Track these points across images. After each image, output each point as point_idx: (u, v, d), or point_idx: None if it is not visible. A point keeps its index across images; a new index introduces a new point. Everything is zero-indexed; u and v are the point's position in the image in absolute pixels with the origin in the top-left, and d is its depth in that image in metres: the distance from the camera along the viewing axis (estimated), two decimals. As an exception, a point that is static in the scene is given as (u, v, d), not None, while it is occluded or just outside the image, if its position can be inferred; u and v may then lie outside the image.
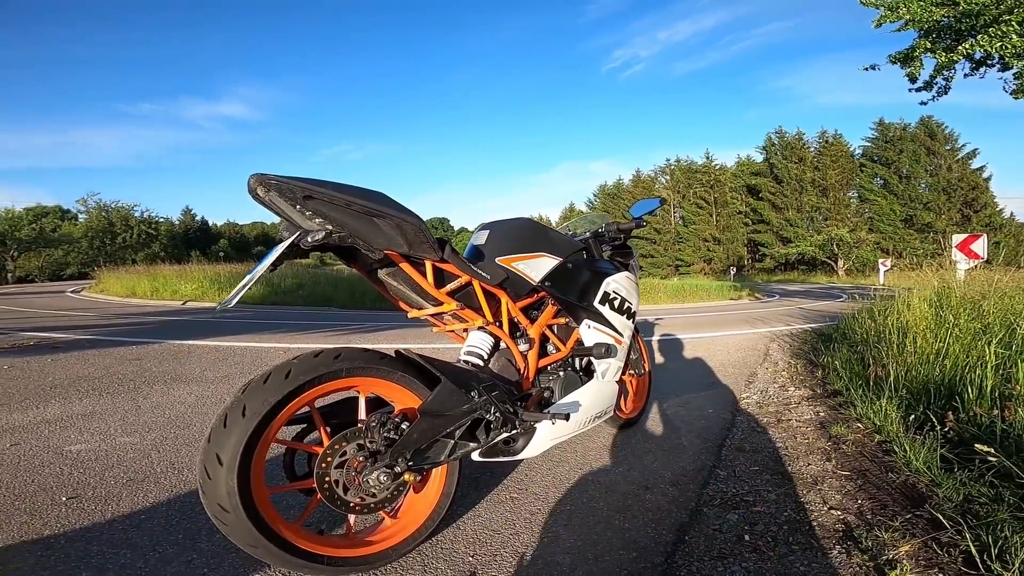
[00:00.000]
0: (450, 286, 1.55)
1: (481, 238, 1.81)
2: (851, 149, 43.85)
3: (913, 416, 2.27)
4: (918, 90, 9.61)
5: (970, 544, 1.38)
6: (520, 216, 1.92)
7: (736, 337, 6.00)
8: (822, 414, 2.75)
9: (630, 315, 2.14)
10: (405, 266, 1.41)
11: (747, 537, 1.55)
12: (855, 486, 1.89)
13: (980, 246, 5.95)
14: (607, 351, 1.93)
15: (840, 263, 39.93)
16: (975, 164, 39.81)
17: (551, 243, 1.85)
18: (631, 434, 2.50)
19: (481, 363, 1.72)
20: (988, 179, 39.64)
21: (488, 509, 1.73)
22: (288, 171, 1.20)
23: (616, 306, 2.06)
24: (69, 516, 1.65)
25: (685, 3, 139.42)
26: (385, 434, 1.32)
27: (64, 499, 1.77)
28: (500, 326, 1.70)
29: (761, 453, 2.24)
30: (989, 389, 2.21)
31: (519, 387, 1.73)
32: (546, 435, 1.70)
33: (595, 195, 57.83)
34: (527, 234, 1.82)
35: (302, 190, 1.17)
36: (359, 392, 1.41)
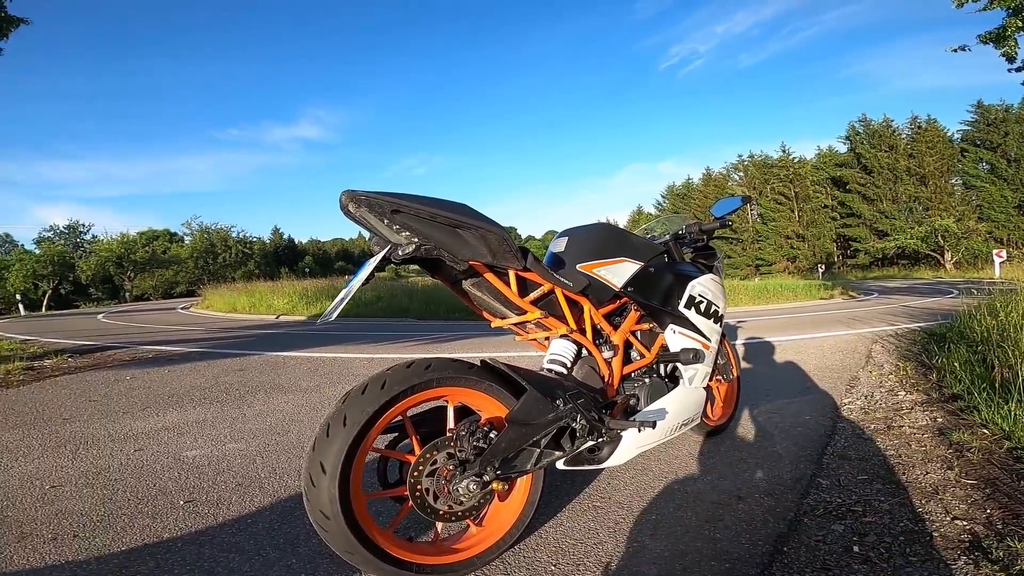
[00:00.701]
0: (533, 295, 1.55)
1: (560, 245, 1.80)
2: (948, 134, 39.85)
3: None
4: (1018, 70, 8.70)
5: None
6: (598, 221, 1.89)
7: (831, 339, 5.57)
8: (940, 420, 2.48)
9: (717, 319, 2.05)
10: (489, 276, 1.43)
11: (856, 548, 1.43)
12: (983, 495, 1.69)
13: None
14: (694, 357, 1.86)
15: (947, 256, 36.20)
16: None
17: (631, 247, 1.82)
18: (720, 442, 2.38)
19: (565, 371, 1.70)
20: (1109, 159, 34.67)
21: (571, 518, 1.70)
22: (358, 187, 1.25)
23: (702, 310, 1.98)
24: (186, 519, 1.77)
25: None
26: (474, 443, 1.33)
27: (182, 503, 1.91)
28: (583, 333, 1.68)
29: (869, 461, 2.05)
30: None
31: (604, 395, 1.70)
32: (632, 443, 1.65)
33: (663, 196, 56.08)
34: (606, 239, 1.79)
35: (390, 204, 1.22)
36: (448, 402, 1.43)
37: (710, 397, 2.39)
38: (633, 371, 1.84)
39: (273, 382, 4.16)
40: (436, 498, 1.32)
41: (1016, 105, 36.56)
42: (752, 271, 43.13)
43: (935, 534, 1.48)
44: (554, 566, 1.43)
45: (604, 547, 1.51)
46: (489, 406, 1.44)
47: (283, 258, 66.62)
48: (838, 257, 44.57)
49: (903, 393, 3.03)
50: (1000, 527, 1.48)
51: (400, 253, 1.24)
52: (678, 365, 1.89)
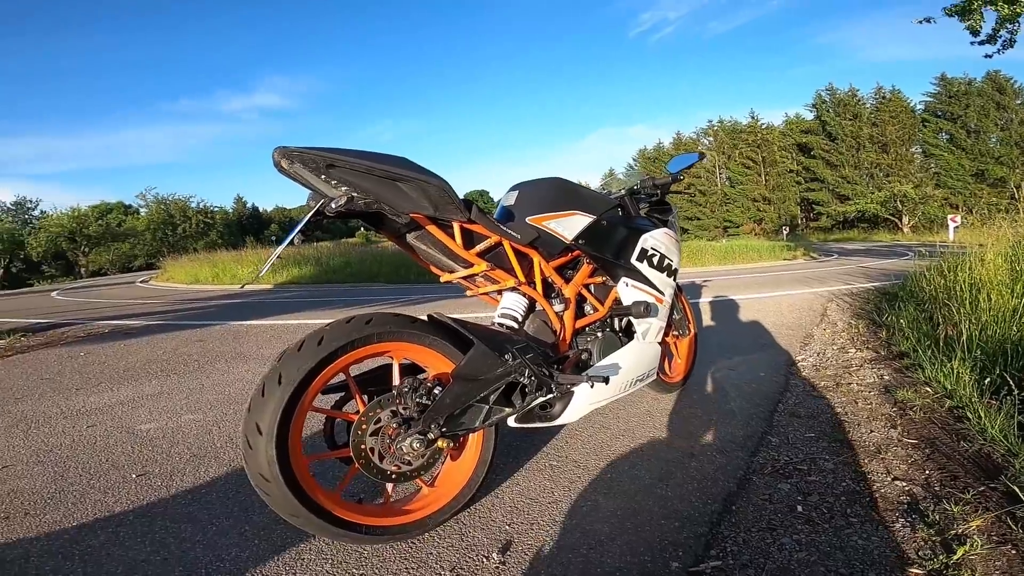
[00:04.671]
0: (479, 247, 1.51)
1: (511, 199, 1.75)
2: (911, 104, 41.03)
3: (988, 380, 2.07)
4: (981, 43, 8.90)
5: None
6: (551, 176, 1.84)
7: (790, 297, 5.72)
8: (886, 377, 2.56)
9: (671, 272, 2.05)
10: (432, 228, 1.38)
11: (800, 508, 1.46)
12: (922, 455, 1.73)
13: (1059, 201, 5.42)
14: (647, 310, 1.85)
15: (905, 220, 37.53)
16: (1048, 120, 36.52)
17: (583, 201, 1.78)
18: (676, 399, 2.42)
19: (516, 325, 1.68)
20: (1065, 133, 36.23)
21: (526, 477, 1.71)
22: None
23: (655, 263, 1.98)
24: (138, 492, 1.74)
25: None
26: (418, 399, 1.31)
27: (134, 476, 1.87)
28: (533, 286, 1.66)
29: (818, 419, 2.10)
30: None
31: (555, 349, 1.69)
32: (584, 399, 1.65)
33: (634, 159, 55.98)
34: (558, 192, 1.75)
35: (324, 159, 1.17)
36: (392, 358, 1.40)
37: (667, 353, 2.42)
38: (586, 325, 1.83)
39: (234, 351, 4.07)
40: (382, 458, 1.30)
41: (978, 79, 37.71)
42: (720, 232, 43.92)
43: (876, 495, 1.52)
44: (509, 525, 1.44)
45: (559, 506, 1.52)
46: (436, 362, 1.42)
47: (248, 227, 64.60)
48: (802, 220, 45.77)
49: (853, 350, 3.13)
50: (938, 489, 1.52)
51: (333, 206, 1.19)
52: (632, 319, 1.89)
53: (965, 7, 8.30)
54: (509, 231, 1.52)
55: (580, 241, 1.74)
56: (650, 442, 1.96)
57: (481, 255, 1.50)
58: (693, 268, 13.47)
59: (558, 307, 1.74)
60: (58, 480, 1.87)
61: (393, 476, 1.32)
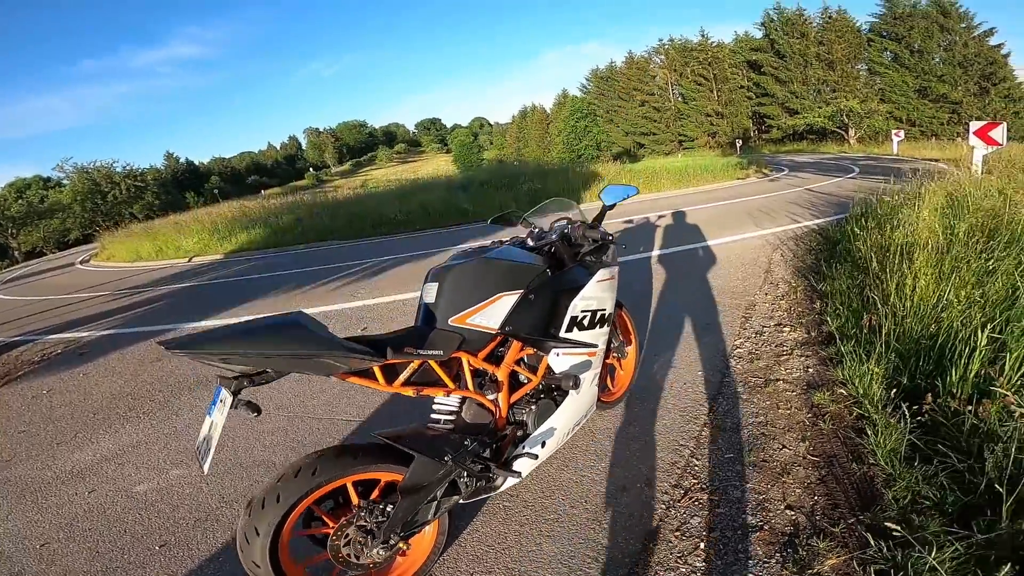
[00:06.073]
0: (404, 375, 1.58)
1: (430, 293, 1.73)
2: (857, 24, 42.05)
3: (895, 390, 2.10)
4: None
5: (883, 566, 1.39)
6: (471, 259, 1.79)
7: (737, 247, 5.86)
8: (811, 370, 2.68)
9: (604, 321, 2.06)
10: (354, 379, 1.47)
11: (702, 546, 1.68)
12: (818, 477, 1.87)
13: (999, 133, 5.88)
14: (580, 370, 1.95)
15: (851, 132, 39.01)
16: (992, 42, 37.24)
17: (509, 278, 1.77)
18: (617, 418, 2.50)
19: (452, 418, 1.76)
20: (1007, 56, 37.23)
21: (484, 523, 1.92)
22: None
23: (587, 323, 1.98)
24: (169, 565, 1.91)
25: None
26: (374, 520, 1.50)
27: (157, 547, 2.02)
28: (464, 386, 1.72)
29: (740, 433, 2.24)
30: (972, 374, 1.99)
31: (493, 432, 1.78)
32: (525, 467, 1.83)
33: (588, 79, 55.28)
34: (481, 278, 1.74)
35: (215, 355, 1.22)
36: (346, 484, 1.53)
37: (608, 372, 2.48)
38: (522, 396, 1.89)
39: (196, 375, 3.91)
40: (359, 558, 1.51)
41: (924, 2, 38.24)
42: (676, 146, 44.82)
43: (766, 527, 1.69)
44: (471, 574, 1.68)
45: (510, 552, 1.76)
46: (385, 475, 1.57)
47: (185, 183, 61.33)
48: (754, 132, 46.93)
49: (788, 330, 3.32)
50: (818, 519, 1.65)
51: (240, 408, 1.33)
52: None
53: None
54: (430, 351, 1.57)
55: (507, 328, 1.73)
56: (589, 474, 2.12)
57: (407, 383, 1.58)
58: (649, 194, 13.67)
59: (491, 395, 1.77)
60: (97, 557, 2.00)
61: (372, 568, 1.55)
